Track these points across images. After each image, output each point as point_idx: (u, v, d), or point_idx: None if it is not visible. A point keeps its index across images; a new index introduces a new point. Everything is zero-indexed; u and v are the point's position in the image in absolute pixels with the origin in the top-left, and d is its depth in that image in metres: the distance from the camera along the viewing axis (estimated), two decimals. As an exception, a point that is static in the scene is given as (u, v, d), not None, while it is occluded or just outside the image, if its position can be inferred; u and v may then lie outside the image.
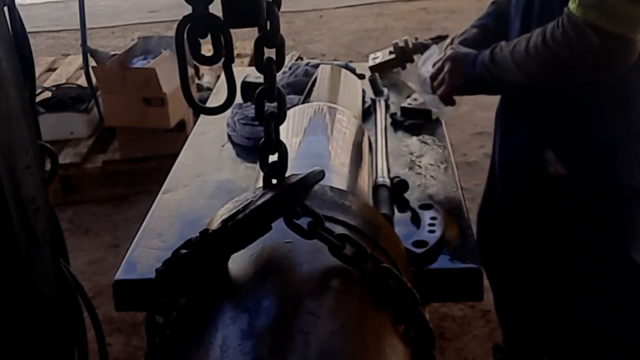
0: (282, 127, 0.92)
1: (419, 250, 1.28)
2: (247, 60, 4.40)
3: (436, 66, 1.68)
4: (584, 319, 1.68)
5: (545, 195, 1.61)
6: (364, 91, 1.98)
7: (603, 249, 1.60)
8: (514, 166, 1.68)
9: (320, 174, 0.90)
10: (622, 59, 1.35)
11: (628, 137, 1.52)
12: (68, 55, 5.19)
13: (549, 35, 1.38)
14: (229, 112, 1.91)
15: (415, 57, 2.00)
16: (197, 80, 3.91)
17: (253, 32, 0.87)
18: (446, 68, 1.63)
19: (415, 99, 1.96)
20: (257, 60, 0.89)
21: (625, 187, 1.55)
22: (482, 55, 1.54)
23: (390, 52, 2.27)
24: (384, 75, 2.11)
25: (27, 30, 1.22)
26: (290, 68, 2.19)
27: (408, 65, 2.07)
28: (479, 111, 3.49)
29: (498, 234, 1.80)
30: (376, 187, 1.43)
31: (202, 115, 2.07)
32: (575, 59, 1.38)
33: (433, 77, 1.68)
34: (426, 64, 1.80)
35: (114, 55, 3.85)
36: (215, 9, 0.85)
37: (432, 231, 1.34)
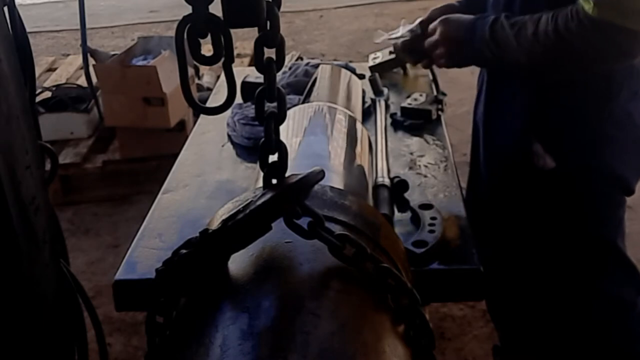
0: (282, 127, 0.92)
1: (419, 250, 1.28)
2: (247, 60, 4.40)
3: (430, 31, 1.67)
4: (580, 317, 1.68)
5: (533, 190, 1.61)
6: (364, 91, 1.97)
7: (595, 243, 1.62)
8: (500, 162, 1.68)
9: (320, 174, 0.90)
10: (634, 52, 1.40)
11: (612, 127, 1.53)
12: (68, 55, 5.19)
13: (562, 26, 1.38)
14: (229, 112, 1.91)
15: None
16: (197, 80, 3.91)
17: (253, 32, 0.87)
18: (438, 31, 1.62)
19: (415, 99, 1.96)
20: (257, 60, 0.89)
21: (609, 176, 1.57)
22: (480, 29, 1.52)
23: (390, 52, 2.26)
24: (384, 75, 2.11)
25: (27, 30, 1.22)
26: (290, 68, 2.19)
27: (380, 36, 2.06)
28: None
29: (486, 232, 1.80)
30: (376, 187, 1.42)
31: (202, 115, 2.07)
32: (589, 52, 1.41)
33: (429, 45, 1.67)
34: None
35: (114, 55, 3.85)
36: (215, 9, 0.85)
37: (432, 231, 1.34)
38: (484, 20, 1.53)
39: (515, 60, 1.49)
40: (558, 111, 1.55)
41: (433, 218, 1.38)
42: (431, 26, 1.67)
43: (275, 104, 0.90)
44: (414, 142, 1.81)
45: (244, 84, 2.03)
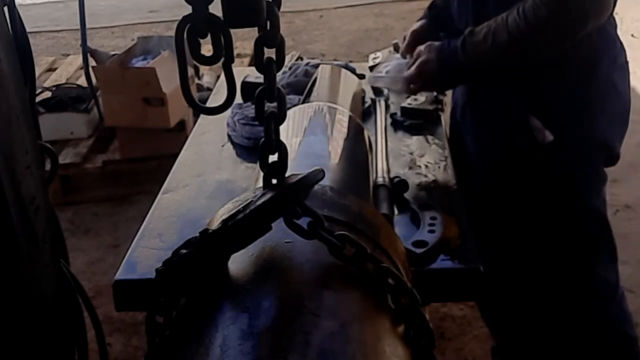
0: (282, 127, 0.92)
1: (419, 250, 1.28)
2: (247, 60, 4.40)
3: (410, 63, 1.70)
4: (579, 315, 1.69)
5: (529, 169, 1.62)
6: (364, 91, 1.97)
7: (590, 216, 1.65)
8: (498, 145, 1.68)
9: (320, 174, 0.90)
10: (605, 11, 1.48)
11: (598, 96, 1.59)
12: (68, 55, 5.19)
13: (532, 19, 1.44)
14: (229, 112, 1.91)
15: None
16: (197, 80, 3.91)
17: (253, 32, 0.87)
18: (421, 59, 1.64)
19: (415, 99, 1.96)
20: (257, 60, 0.89)
21: (599, 144, 1.61)
22: (451, 56, 1.57)
23: (390, 52, 2.26)
24: (384, 75, 2.11)
25: (27, 30, 1.22)
26: (290, 68, 2.19)
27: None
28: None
29: (484, 231, 1.79)
30: (376, 187, 1.42)
31: (202, 115, 2.07)
32: (565, 27, 1.47)
33: (409, 78, 1.70)
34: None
35: (114, 55, 3.85)
36: (215, 9, 0.85)
37: (432, 231, 1.34)
38: (450, 47, 1.58)
39: (503, 67, 1.57)
40: (548, 84, 1.58)
41: (433, 218, 1.38)
42: (413, 59, 1.69)
43: (275, 104, 0.90)
44: (414, 142, 1.81)
45: (244, 84, 2.03)
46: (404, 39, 2.06)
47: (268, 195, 0.86)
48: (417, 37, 1.80)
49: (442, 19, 1.79)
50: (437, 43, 1.63)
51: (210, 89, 3.59)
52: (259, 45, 0.89)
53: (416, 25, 1.83)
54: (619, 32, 1.63)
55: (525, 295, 1.76)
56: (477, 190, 1.74)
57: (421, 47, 1.65)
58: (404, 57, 1.83)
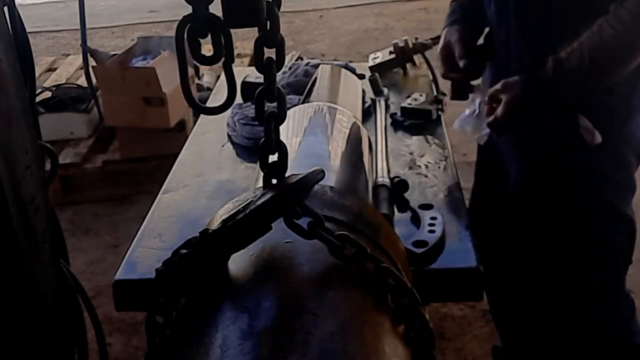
0: (282, 127, 0.92)
1: (419, 250, 1.28)
2: (247, 60, 4.40)
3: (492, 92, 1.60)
4: (583, 315, 1.68)
5: (567, 173, 1.60)
6: (364, 91, 1.97)
7: (627, 222, 1.63)
8: (535, 151, 1.65)
9: (320, 174, 0.90)
10: None
11: (638, 96, 1.56)
12: (68, 55, 5.19)
13: (633, 27, 1.39)
14: (229, 112, 1.91)
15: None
16: (197, 80, 3.91)
17: (253, 32, 0.87)
18: (506, 98, 1.53)
19: (415, 99, 1.96)
20: (257, 60, 0.89)
21: (635, 143, 1.59)
22: (550, 88, 1.49)
23: (390, 52, 2.27)
24: (384, 75, 2.11)
25: (27, 30, 1.22)
26: (290, 68, 2.19)
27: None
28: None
29: (493, 233, 1.79)
30: (376, 187, 1.43)
31: (202, 115, 2.07)
32: None
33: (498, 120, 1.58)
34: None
35: (114, 55, 3.86)
36: (215, 9, 0.85)
37: (432, 231, 1.34)
38: (538, 78, 1.49)
39: (604, 84, 1.50)
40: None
41: (433, 218, 1.38)
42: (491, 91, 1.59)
43: (275, 104, 0.90)
44: (414, 142, 1.81)
45: (244, 84, 2.03)
46: (405, 42, 2.03)
47: (268, 195, 0.86)
48: (466, 43, 1.69)
49: (472, 17, 1.72)
50: (513, 80, 1.51)
51: (210, 89, 3.59)
52: (259, 45, 0.89)
53: (454, 34, 1.70)
54: None
55: (541, 296, 1.75)
56: (497, 190, 1.73)
57: (497, 87, 1.54)
58: (463, 71, 1.68)
